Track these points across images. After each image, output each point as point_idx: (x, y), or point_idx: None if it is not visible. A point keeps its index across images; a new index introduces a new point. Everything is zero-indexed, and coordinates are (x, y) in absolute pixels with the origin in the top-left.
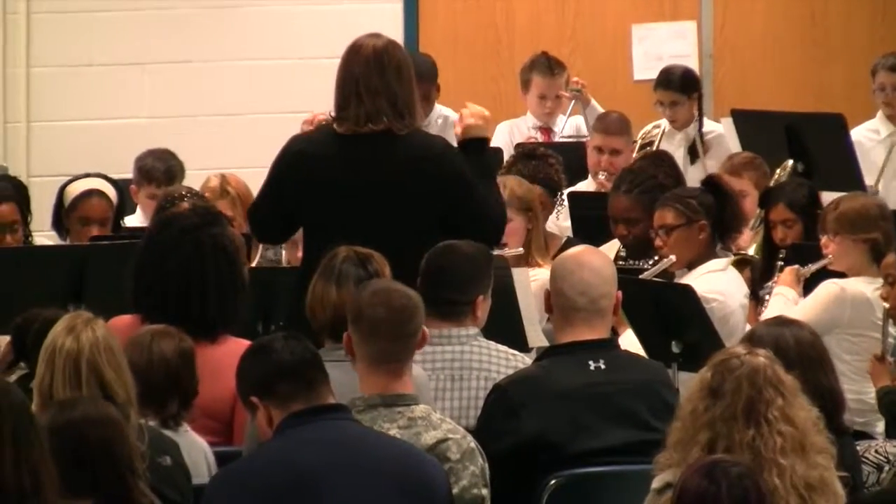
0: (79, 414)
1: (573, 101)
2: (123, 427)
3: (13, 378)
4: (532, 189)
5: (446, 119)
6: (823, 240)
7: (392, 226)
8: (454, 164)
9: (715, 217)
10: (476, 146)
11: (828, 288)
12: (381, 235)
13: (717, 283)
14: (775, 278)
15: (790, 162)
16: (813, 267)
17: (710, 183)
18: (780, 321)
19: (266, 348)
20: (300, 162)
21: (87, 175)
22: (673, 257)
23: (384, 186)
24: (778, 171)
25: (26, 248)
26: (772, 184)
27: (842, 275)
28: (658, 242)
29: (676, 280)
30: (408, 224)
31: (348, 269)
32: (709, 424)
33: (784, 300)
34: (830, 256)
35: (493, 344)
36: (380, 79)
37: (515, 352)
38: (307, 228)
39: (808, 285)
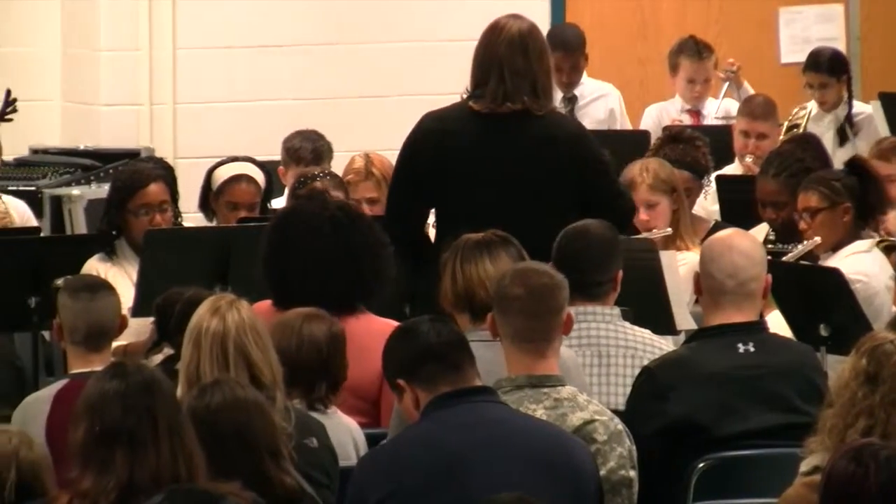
0: (212, 400)
1: (726, 84)
2: (263, 410)
3: (158, 359)
4: (674, 171)
5: (606, 96)
6: None
7: (528, 205)
8: (589, 146)
9: (859, 199)
10: None
11: None
12: (517, 215)
13: (861, 264)
14: None
15: None
16: None
17: (854, 165)
18: None
19: (412, 330)
20: (435, 139)
21: (235, 159)
22: (817, 238)
23: (520, 165)
24: None
25: (176, 230)
26: None
27: None
28: (802, 225)
29: (821, 262)
30: (543, 203)
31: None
32: (867, 411)
33: None
34: None
35: (636, 328)
36: (523, 60)
37: (657, 336)
38: (441, 209)
39: None
